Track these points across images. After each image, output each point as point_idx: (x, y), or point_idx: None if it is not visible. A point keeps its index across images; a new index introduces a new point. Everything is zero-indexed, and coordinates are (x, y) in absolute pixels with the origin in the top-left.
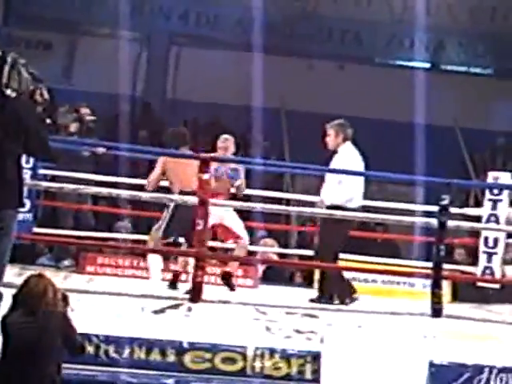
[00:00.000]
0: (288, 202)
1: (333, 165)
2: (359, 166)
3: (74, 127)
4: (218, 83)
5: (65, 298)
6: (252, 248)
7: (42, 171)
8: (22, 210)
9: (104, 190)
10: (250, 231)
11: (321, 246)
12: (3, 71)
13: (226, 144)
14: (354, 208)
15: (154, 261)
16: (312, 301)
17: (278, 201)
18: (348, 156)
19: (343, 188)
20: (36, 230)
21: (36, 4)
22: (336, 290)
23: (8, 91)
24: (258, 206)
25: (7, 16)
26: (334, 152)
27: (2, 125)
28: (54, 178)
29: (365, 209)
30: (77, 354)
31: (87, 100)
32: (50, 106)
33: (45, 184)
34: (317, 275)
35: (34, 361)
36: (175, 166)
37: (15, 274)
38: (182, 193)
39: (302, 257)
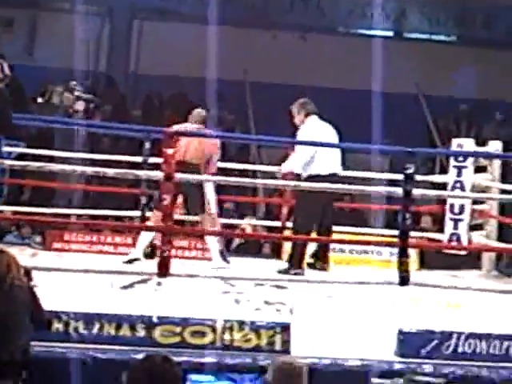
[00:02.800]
0: (254, 174)
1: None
2: (325, 136)
3: (80, 105)
4: (181, 56)
5: (28, 274)
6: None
7: (5, 149)
8: None
9: (68, 167)
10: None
11: (295, 217)
12: None
13: (203, 118)
14: (324, 175)
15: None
16: (280, 272)
17: (245, 173)
18: (308, 128)
19: (302, 157)
20: (1, 207)
21: None
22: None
23: None
24: (226, 179)
25: None
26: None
27: None
28: (20, 157)
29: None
30: (43, 329)
31: (52, 76)
32: (14, 81)
33: (8, 162)
34: (287, 246)
35: (4, 334)
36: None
37: None
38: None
39: (270, 228)
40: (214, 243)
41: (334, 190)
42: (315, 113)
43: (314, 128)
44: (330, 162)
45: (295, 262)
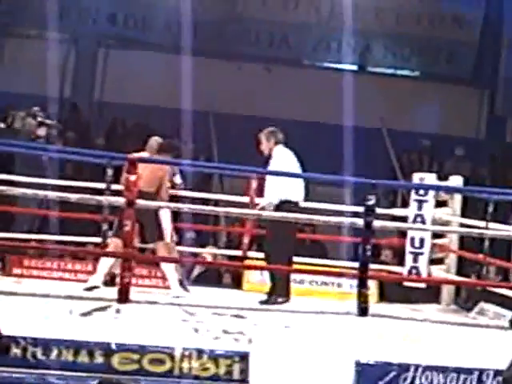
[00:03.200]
0: (216, 204)
1: (270, 168)
2: (294, 165)
3: (42, 131)
4: (146, 85)
5: None
6: (181, 248)
7: None
8: None
9: (29, 192)
10: (179, 232)
11: (272, 248)
12: None
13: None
14: (292, 202)
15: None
16: (262, 303)
17: (207, 202)
18: (282, 157)
19: (278, 187)
20: None
21: None
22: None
23: None
24: (188, 207)
25: None
26: (269, 157)
27: None
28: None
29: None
30: (1, 354)
31: (16, 102)
32: None
33: None
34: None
35: None
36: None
37: None
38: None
39: (231, 257)
40: (171, 272)
41: (299, 219)
42: (282, 142)
43: (285, 157)
44: (297, 190)
45: (282, 291)
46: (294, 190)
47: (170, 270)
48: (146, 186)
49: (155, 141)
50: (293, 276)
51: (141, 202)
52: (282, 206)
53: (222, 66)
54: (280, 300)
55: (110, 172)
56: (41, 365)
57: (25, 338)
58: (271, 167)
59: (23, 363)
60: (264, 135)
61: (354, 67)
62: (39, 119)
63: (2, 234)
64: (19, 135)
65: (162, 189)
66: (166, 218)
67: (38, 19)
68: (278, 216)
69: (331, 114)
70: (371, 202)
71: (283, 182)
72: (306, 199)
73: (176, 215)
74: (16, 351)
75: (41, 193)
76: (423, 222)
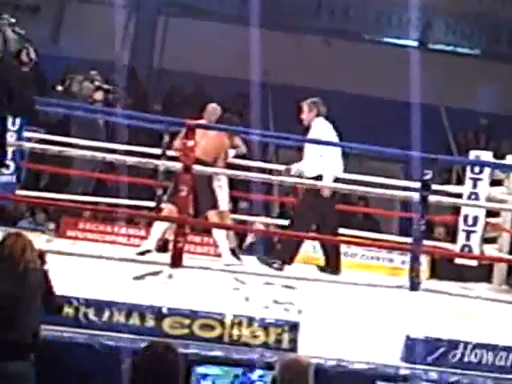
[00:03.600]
0: (271, 174)
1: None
2: (332, 139)
3: (99, 95)
4: (204, 54)
5: (42, 257)
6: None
7: (27, 134)
8: (5, 172)
9: (87, 153)
10: (234, 201)
11: (294, 216)
12: None
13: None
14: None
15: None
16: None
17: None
18: (321, 129)
19: (317, 160)
20: (19, 192)
21: None
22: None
23: None
24: (244, 174)
25: None
26: (308, 128)
27: None
28: (40, 141)
29: (346, 183)
30: (55, 313)
31: (74, 66)
32: (36, 67)
33: (29, 145)
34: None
35: (14, 316)
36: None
37: None
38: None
39: (283, 227)
40: (223, 239)
41: (352, 191)
42: (323, 115)
43: (324, 130)
44: (337, 164)
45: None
46: (333, 165)
47: (221, 237)
48: (202, 154)
49: (213, 108)
50: (345, 249)
51: (197, 168)
52: (317, 179)
53: (281, 37)
54: (329, 270)
55: (166, 138)
56: (92, 325)
57: (77, 299)
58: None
59: (75, 323)
60: (306, 105)
61: (415, 43)
62: (97, 83)
63: (57, 196)
64: (76, 99)
65: (219, 160)
66: (224, 188)
67: None
68: (337, 187)
69: (389, 89)
70: (427, 177)
71: (323, 154)
72: (361, 173)
73: (231, 184)
74: (68, 311)
75: (98, 155)
76: (477, 200)
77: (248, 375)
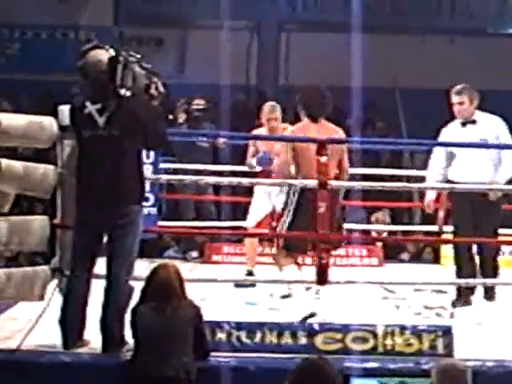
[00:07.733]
0: (408, 180)
1: (475, 137)
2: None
3: (181, 118)
4: (328, 66)
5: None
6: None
7: (162, 165)
8: (146, 204)
9: (224, 180)
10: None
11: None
12: (117, 72)
13: None
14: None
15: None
16: None
17: (400, 179)
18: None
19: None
20: (161, 223)
21: (145, 2)
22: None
23: (123, 91)
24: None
25: (117, 15)
26: (466, 123)
27: (120, 125)
28: (175, 172)
29: None
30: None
31: (201, 92)
32: (166, 99)
33: (165, 177)
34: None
35: (169, 351)
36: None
37: (144, 268)
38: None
39: (427, 233)
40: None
41: None
42: None
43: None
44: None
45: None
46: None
47: None
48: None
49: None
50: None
51: (334, 183)
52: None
53: (405, 40)
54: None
55: None
56: (245, 348)
57: (229, 323)
58: (476, 137)
59: (228, 347)
60: (466, 95)
61: None
62: (185, 106)
63: (200, 223)
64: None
65: None
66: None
67: (219, 9)
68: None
69: None
70: None
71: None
72: None
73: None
74: (221, 336)
75: (233, 179)
76: None
77: None
